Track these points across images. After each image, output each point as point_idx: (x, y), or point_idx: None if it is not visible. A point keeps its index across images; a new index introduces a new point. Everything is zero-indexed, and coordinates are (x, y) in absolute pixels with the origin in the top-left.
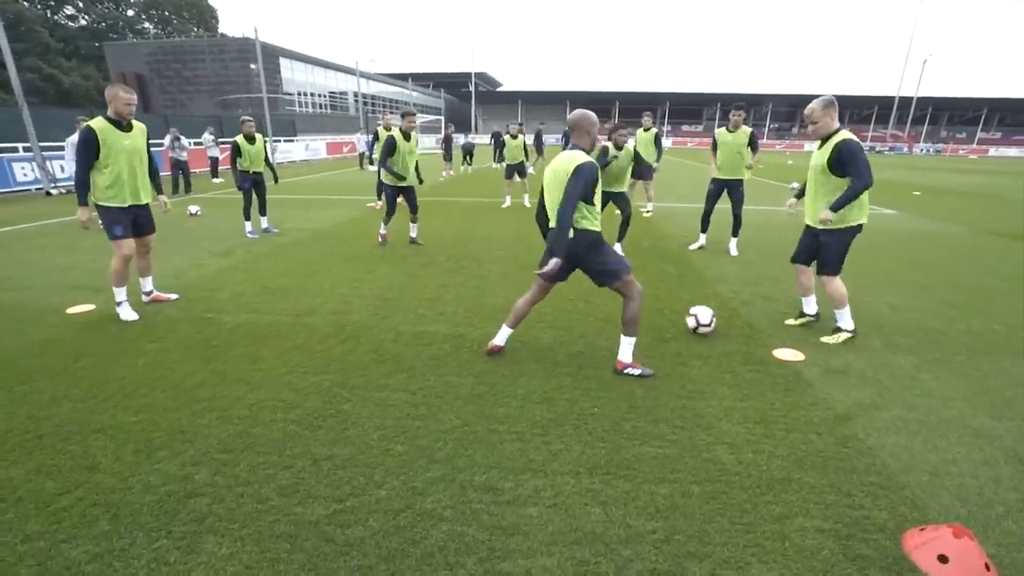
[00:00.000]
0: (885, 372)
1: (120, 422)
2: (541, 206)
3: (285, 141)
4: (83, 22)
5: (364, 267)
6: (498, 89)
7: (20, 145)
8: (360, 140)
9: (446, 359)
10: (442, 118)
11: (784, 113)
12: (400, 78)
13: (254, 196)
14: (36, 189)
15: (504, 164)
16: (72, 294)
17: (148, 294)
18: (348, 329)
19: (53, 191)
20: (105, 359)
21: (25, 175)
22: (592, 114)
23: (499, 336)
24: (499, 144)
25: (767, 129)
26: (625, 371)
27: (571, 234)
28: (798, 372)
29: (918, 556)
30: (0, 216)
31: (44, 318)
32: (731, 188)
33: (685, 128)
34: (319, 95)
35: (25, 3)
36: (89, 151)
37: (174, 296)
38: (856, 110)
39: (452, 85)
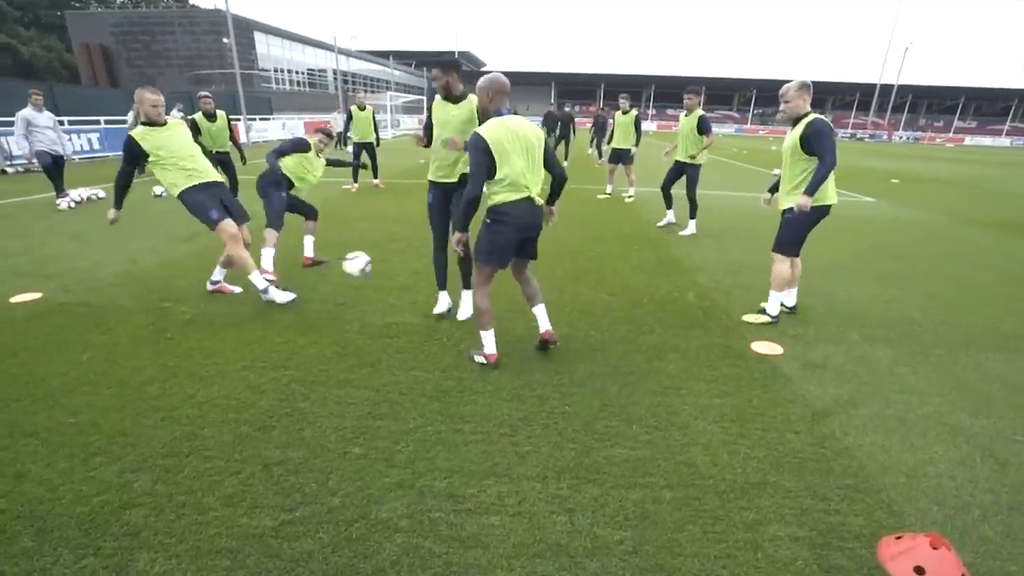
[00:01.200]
0: (864, 366)
1: (56, 423)
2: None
3: (260, 119)
4: None
5: (333, 252)
6: (482, 69)
7: None
8: (338, 120)
9: (414, 352)
10: (424, 98)
11: (768, 98)
12: (381, 56)
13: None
14: None
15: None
16: (17, 281)
17: (215, 283)
18: (311, 319)
19: (9, 169)
20: (46, 354)
21: None
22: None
23: (488, 345)
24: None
25: (751, 114)
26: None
27: (540, 202)
28: (776, 367)
29: (894, 567)
30: None
31: None
32: (685, 170)
33: (670, 112)
34: (297, 72)
35: None
36: (131, 157)
37: (238, 289)
38: (839, 96)
39: (435, 64)
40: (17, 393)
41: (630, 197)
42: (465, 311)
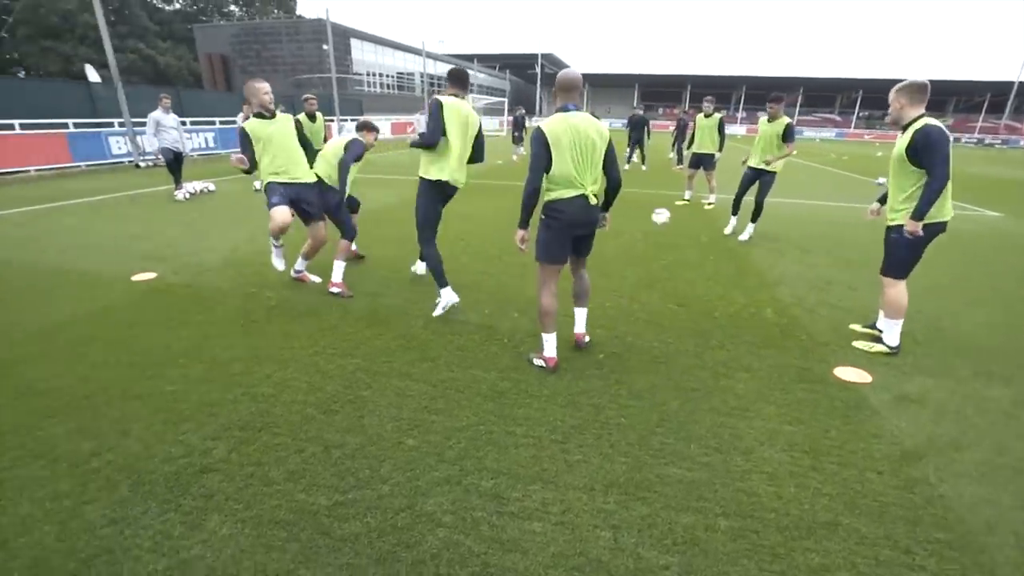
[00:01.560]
0: (972, 405)
1: (157, 390)
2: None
3: (351, 120)
4: (177, 5)
5: (408, 249)
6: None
7: (116, 120)
8: (420, 120)
9: (473, 351)
10: (505, 100)
11: (876, 100)
12: (466, 59)
13: None
14: (128, 161)
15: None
16: (139, 262)
17: (298, 272)
18: (381, 312)
19: (141, 164)
20: (156, 327)
21: (119, 148)
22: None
23: (547, 348)
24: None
25: (855, 117)
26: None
27: (594, 200)
28: (863, 396)
29: None
30: (95, 185)
31: (112, 284)
32: (760, 176)
33: (761, 115)
34: (387, 75)
35: None
36: (245, 144)
37: (317, 279)
38: (964, 97)
39: (519, 67)
40: (131, 360)
41: (710, 204)
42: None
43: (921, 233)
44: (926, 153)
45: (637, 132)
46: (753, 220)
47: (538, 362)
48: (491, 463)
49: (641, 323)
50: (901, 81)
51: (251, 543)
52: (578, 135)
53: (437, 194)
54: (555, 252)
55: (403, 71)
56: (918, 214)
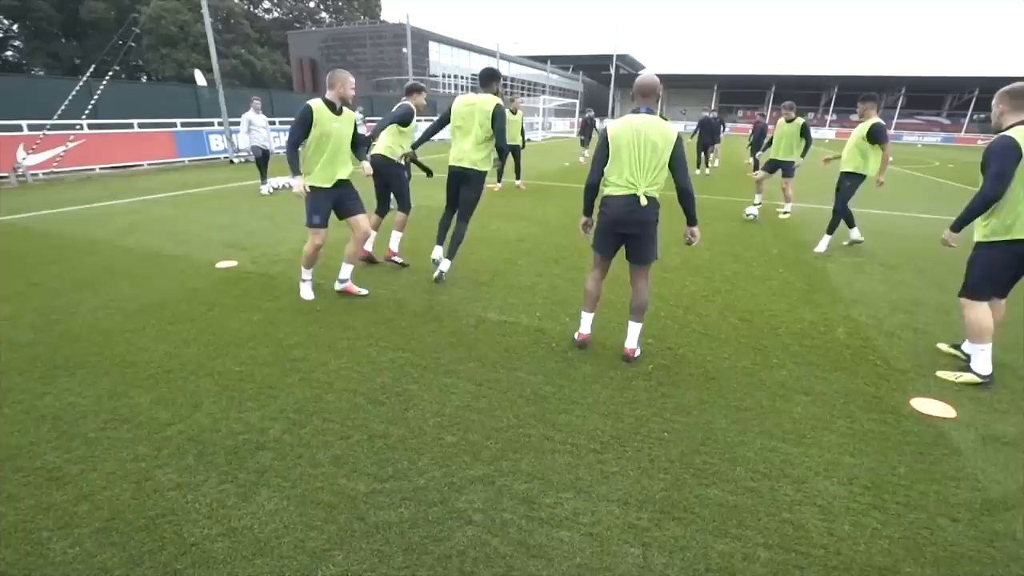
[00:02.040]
0: None
1: (227, 369)
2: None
3: (426, 120)
4: (276, 14)
5: (467, 248)
6: (640, 72)
7: (215, 120)
8: None
9: (520, 352)
10: (577, 102)
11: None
12: (540, 60)
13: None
14: (224, 157)
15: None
16: (224, 250)
17: (343, 283)
18: (436, 309)
19: (235, 160)
20: (231, 311)
21: (217, 145)
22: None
23: (583, 324)
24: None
25: (967, 120)
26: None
27: (644, 201)
28: (942, 433)
29: None
30: (194, 179)
31: (198, 269)
32: (842, 180)
33: (854, 118)
34: (461, 77)
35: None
36: (303, 127)
37: (364, 292)
38: None
39: (592, 68)
40: (208, 339)
41: (785, 213)
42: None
43: (953, 244)
44: (984, 163)
45: (707, 136)
46: (829, 231)
47: (576, 335)
48: (527, 466)
49: (696, 335)
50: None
51: (293, 520)
52: (638, 136)
53: (449, 178)
54: (600, 243)
55: (477, 73)
56: (954, 224)
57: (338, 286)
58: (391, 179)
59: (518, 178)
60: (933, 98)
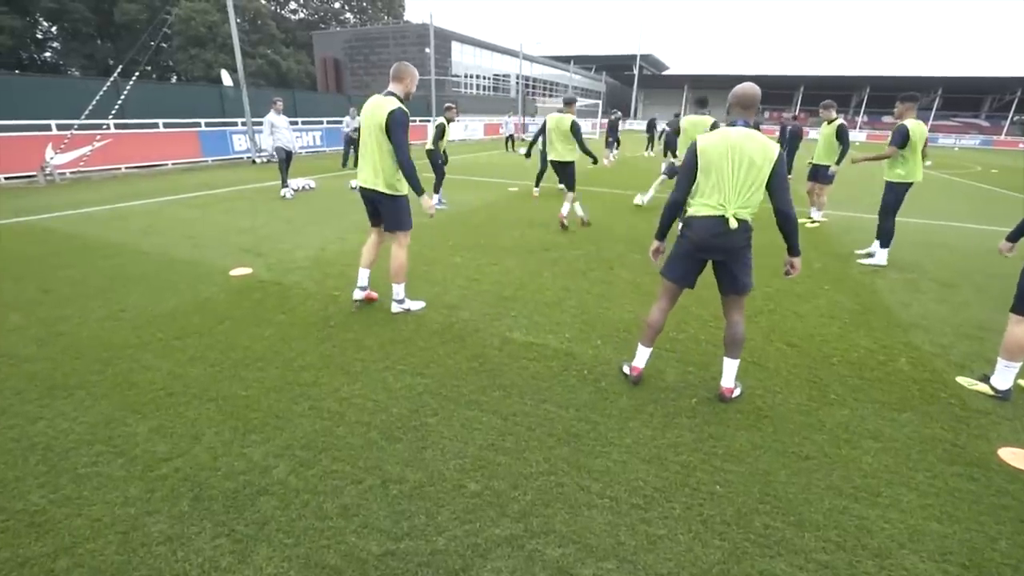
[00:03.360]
0: None
1: (232, 394)
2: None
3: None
4: (302, 15)
5: (489, 258)
6: (663, 72)
7: (239, 120)
8: (507, 123)
9: (550, 381)
10: (600, 102)
11: None
12: (563, 60)
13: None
14: (247, 157)
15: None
16: (239, 256)
17: (363, 289)
18: (456, 328)
19: (257, 160)
20: (242, 325)
21: (240, 145)
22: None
23: (638, 358)
24: (665, 131)
25: (1008, 122)
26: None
27: (734, 224)
28: None
29: None
30: (216, 179)
31: (211, 277)
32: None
33: (887, 119)
34: (484, 77)
35: (263, 0)
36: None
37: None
38: None
39: (615, 68)
40: (215, 358)
41: (814, 222)
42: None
43: (1009, 255)
44: None
45: None
46: (883, 244)
47: (625, 369)
48: (560, 525)
49: (743, 364)
50: None
51: None
52: (733, 152)
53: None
54: (676, 270)
55: (499, 73)
56: (1013, 235)
57: (360, 295)
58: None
59: (537, 185)
60: (971, 99)
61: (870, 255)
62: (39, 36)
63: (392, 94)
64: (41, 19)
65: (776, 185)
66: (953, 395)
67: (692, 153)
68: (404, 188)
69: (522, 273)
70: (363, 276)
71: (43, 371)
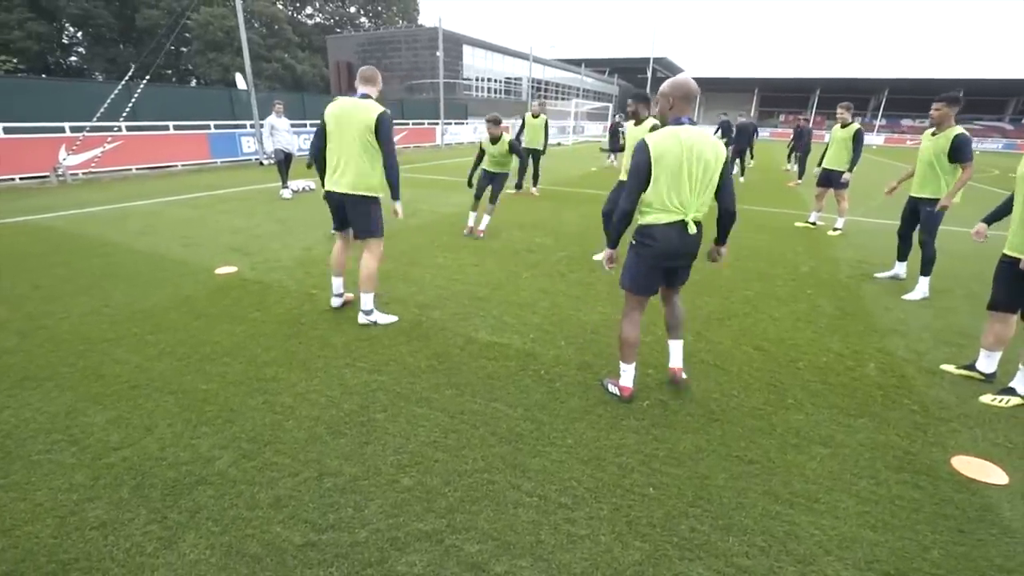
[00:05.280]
0: None
1: (193, 387)
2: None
3: (456, 124)
4: (318, 19)
5: (472, 259)
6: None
7: (248, 122)
8: (514, 126)
9: (504, 380)
10: (611, 105)
11: None
12: (574, 63)
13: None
14: (254, 159)
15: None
16: (227, 256)
17: (340, 296)
18: (424, 327)
19: (265, 162)
20: (216, 321)
21: (248, 147)
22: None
23: (624, 377)
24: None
25: None
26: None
27: (693, 229)
28: (989, 504)
29: None
30: (221, 180)
31: (197, 275)
32: (918, 208)
33: (906, 123)
34: (495, 80)
35: (279, 5)
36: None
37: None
38: None
39: (628, 71)
40: (183, 352)
41: (836, 230)
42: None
43: (978, 239)
44: None
45: (741, 142)
46: (924, 272)
47: (612, 389)
48: (483, 523)
49: (704, 367)
50: None
51: (212, 574)
52: (690, 154)
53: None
54: (642, 282)
55: (511, 76)
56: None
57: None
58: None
59: (535, 184)
60: (994, 102)
61: (896, 278)
62: (64, 41)
63: (367, 96)
64: (67, 25)
65: (726, 185)
66: (916, 401)
67: (645, 156)
68: (381, 191)
69: (501, 274)
70: (337, 284)
71: (19, 363)
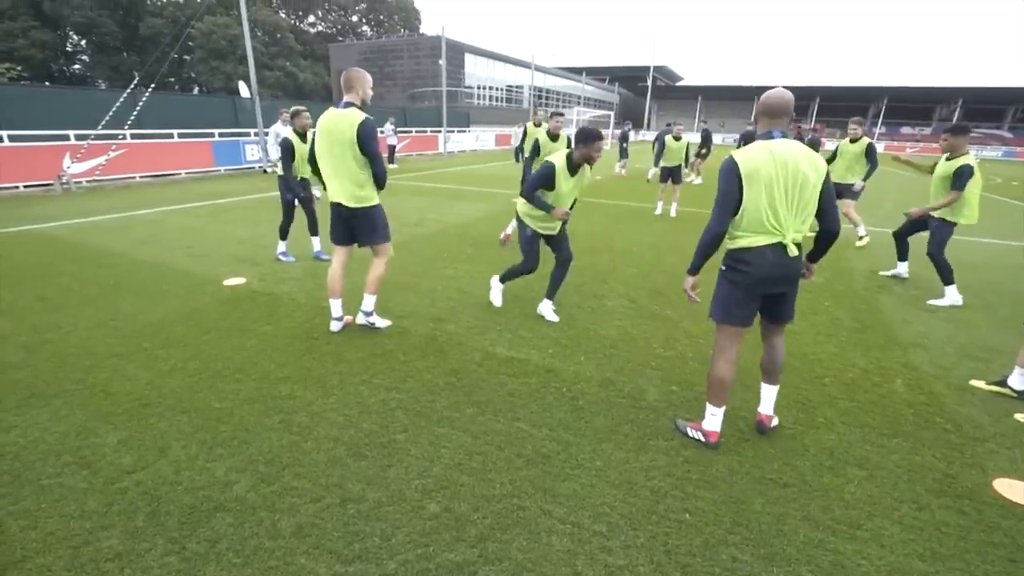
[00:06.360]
0: None
1: (206, 406)
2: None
3: (458, 132)
4: (320, 28)
5: (484, 269)
6: (677, 84)
7: (252, 130)
8: (517, 134)
9: (526, 398)
10: (612, 113)
11: None
12: (575, 72)
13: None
14: (258, 167)
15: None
16: (235, 266)
17: (339, 320)
18: (439, 341)
19: (268, 170)
20: (227, 335)
21: (252, 155)
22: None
23: (710, 421)
24: (662, 146)
25: None
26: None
27: (794, 251)
28: None
29: None
30: (225, 188)
31: (204, 287)
32: (927, 223)
33: (905, 131)
34: (496, 88)
35: (282, 14)
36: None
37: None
38: None
39: (628, 79)
40: (194, 368)
41: (861, 238)
42: (494, 297)
43: None
44: None
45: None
46: (947, 281)
47: (694, 434)
48: (516, 552)
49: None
50: None
51: None
52: (785, 169)
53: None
54: (735, 312)
55: (512, 84)
56: None
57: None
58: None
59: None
60: (993, 110)
61: (899, 276)
62: (68, 49)
63: (351, 104)
64: (71, 33)
65: (828, 202)
66: (949, 420)
67: (735, 176)
68: (377, 198)
69: (513, 285)
70: (336, 307)
71: (25, 379)
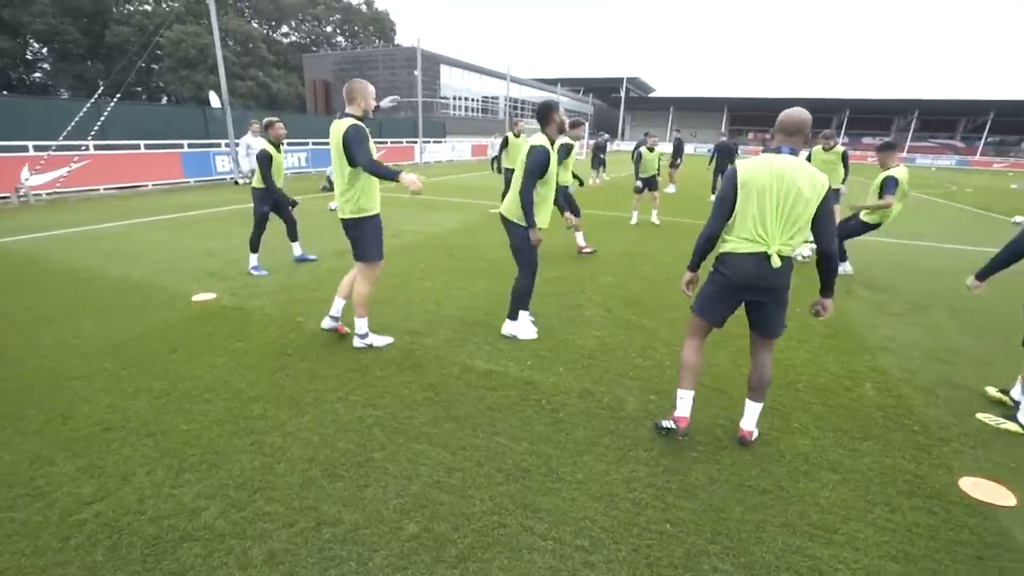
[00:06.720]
0: None
1: (173, 428)
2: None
3: (434, 142)
4: (293, 38)
5: (461, 281)
6: (650, 95)
7: (223, 141)
8: (494, 144)
9: (505, 412)
10: (586, 124)
11: (1010, 124)
12: (550, 83)
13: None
14: (229, 178)
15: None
16: (205, 281)
17: (334, 319)
18: (417, 355)
19: (240, 181)
20: (196, 354)
21: (223, 166)
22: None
23: (679, 406)
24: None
25: (982, 143)
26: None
27: (777, 262)
28: (1001, 527)
29: None
30: (194, 200)
31: (172, 303)
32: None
33: (866, 141)
34: (472, 99)
35: (254, 24)
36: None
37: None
38: None
39: (603, 90)
40: (161, 389)
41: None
42: (527, 333)
43: (975, 292)
44: None
45: (722, 162)
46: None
47: (665, 423)
48: (498, 571)
49: (705, 390)
50: None
51: None
52: (781, 182)
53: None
54: (709, 309)
55: (488, 95)
56: (981, 273)
57: (333, 324)
58: None
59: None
60: (947, 121)
61: (845, 273)
62: (28, 57)
63: (348, 115)
64: (32, 40)
65: (823, 221)
66: (917, 421)
67: (732, 182)
68: (372, 209)
69: (491, 297)
70: (336, 305)
71: None
